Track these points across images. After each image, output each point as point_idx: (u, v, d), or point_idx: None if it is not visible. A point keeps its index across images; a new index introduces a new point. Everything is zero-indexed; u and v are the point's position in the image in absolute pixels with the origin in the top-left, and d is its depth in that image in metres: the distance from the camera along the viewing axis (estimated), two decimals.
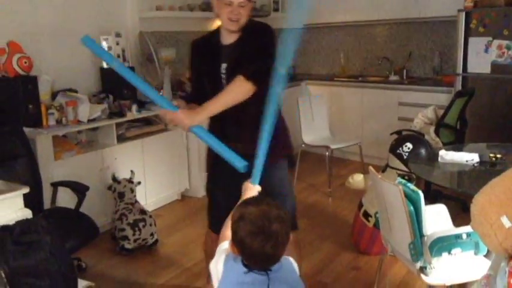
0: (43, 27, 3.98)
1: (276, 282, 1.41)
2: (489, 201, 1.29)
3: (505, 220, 1.25)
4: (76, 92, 4.00)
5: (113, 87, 4.23)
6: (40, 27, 3.96)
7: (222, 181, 2.42)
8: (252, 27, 2.27)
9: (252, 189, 1.84)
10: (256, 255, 1.39)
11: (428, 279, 2.25)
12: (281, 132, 2.45)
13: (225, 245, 1.55)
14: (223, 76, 2.32)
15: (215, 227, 2.26)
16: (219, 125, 2.33)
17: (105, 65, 4.25)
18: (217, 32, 2.43)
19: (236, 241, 1.41)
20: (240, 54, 2.26)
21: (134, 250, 3.62)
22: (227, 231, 1.55)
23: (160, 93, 4.63)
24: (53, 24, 4.06)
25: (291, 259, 1.53)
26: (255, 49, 2.21)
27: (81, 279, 2.75)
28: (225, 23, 2.25)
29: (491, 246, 1.30)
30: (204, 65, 2.40)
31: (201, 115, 2.18)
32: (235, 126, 2.32)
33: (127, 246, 3.58)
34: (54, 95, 3.87)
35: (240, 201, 1.64)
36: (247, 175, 1.92)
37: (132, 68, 4.39)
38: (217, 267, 1.49)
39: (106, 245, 3.74)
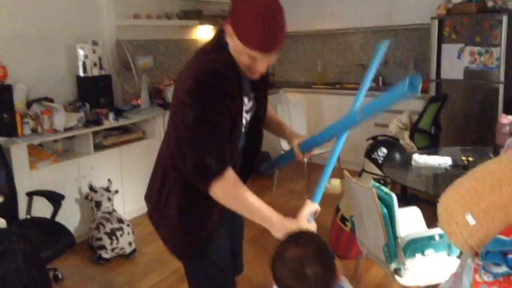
0: (19, 35, 3.95)
1: None
2: (454, 200, 1.32)
3: (469, 218, 1.28)
4: (52, 100, 3.98)
5: (89, 95, 4.21)
6: (16, 35, 3.93)
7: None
8: None
9: (310, 206, 1.77)
10: None
11: (402, 280, 2.29)
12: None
13: None
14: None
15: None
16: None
17: (81, 73, 4.23)
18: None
19: (274, 278, 1.38)
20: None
21: (112, 259, 3.59)
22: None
23: (138, 102, 4.62)
24: (28, 32, 4.03)
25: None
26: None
27: None
28: (245, 71, 1.64)
29: (457, 244, 1.33)
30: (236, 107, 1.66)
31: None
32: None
33: (104, 255, 3.55)
34: (29, 104, 3.83)
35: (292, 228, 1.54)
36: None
37: (109, 76, 4.39)
38: None
39: (83, 254, 3.70)
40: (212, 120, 1.55)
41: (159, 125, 4.53)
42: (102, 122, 4.01)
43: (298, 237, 1.44)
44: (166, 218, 1.81)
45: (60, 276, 3.35)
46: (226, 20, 1.59)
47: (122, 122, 4.21)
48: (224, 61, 1.59)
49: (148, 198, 1.95)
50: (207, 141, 1.55)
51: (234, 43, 1.56)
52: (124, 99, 4.75)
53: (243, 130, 1.77)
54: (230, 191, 1.59)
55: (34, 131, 3.64)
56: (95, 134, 4.01)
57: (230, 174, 1.58)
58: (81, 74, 4.23)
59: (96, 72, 4.28)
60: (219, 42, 1.63)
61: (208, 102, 1.54)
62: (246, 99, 1.71)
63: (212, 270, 1.83)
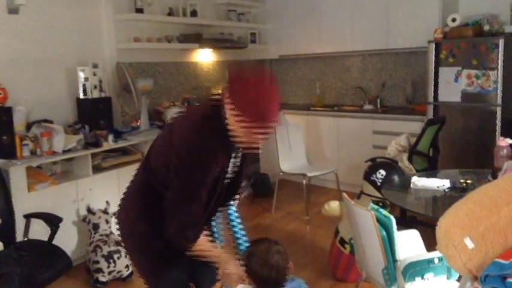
0: (19, 58, 3.99)
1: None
2: (453, 224, 1.32)
3: (468, 241, 1.28)
4: (51, 122, 3.99)
5: (89, 117, 4.23)
6: (16, 58, 3.96)
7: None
8: None
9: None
10: (266, 280, 1.84)
11: None
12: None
13: None
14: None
15: None
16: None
17: (81, 95, 4.25)
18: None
19: (250, 274, 1.86)
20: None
21: (109, 282, 3.55)
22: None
23: (138, 124, 4.64)
24: (29, 55, 4.06)
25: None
26: None
27: None
28: (241, 146, 1.83)
29: (456, 267, 1.33)
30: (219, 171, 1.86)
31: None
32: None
33: (101, 278, 3.52)
34: (29, 126, 3.84)
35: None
36: None
37: (109, 99, 4.42)
38: None
39: (80, 277, 3.67)
40: (196, 192, 1.77)
41: None
42: (101, 144, 4.01)
43: (259, 241, 1.94)
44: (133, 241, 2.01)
45: None
46: (224, 93, 1.74)
47: (121, 144, 4.22)
48: (219, 130, 1.75)
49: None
50: (188, 214, 1.78)
51: (233, 118, 1.71)
52: (123, 121, 4.77)
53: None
54: (196, 248, 1.86)
55: (33, 153, 3.64)
56: (93, 155, 4.02)
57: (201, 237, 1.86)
58: (81, 96, 4.25)
59: (96, 94, 4.31)
60: (216, 111, 1.76)
61: (196, 171, 1.74)
62: (230, 165, 1.90)
63: None
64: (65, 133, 3.82)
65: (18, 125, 3.73)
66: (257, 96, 1.65)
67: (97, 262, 3.52)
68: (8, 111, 3.57)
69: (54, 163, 3.96)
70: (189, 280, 2.13)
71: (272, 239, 1.92)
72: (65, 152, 3.76)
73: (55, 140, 3.73)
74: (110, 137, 4.09)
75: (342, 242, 3.41)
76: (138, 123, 4.65)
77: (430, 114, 4.87)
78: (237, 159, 1.94)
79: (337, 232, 3.51)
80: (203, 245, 1.87)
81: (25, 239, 3.19)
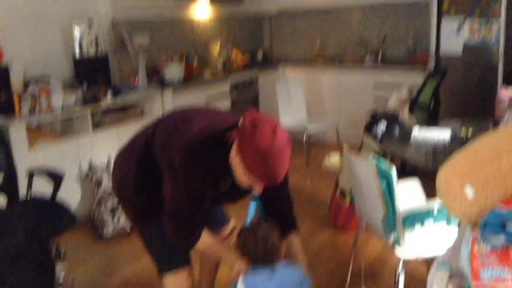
0: (14, 14, 3.90)
1: (280, 270, 1.90)
2: (453, 172, 1.31)
3: (468, 190, 1.28)
4: (49, 79, 3.94)
5: (86, 74, 4.18)
6: (11, 14, 3.88)
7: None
8: None
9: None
10: (254, 254, 1.89)
11: (401, 252, 2.31)
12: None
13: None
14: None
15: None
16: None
17: (78, 52, 4.19)
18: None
19: (241, 251, 1.92)
20: None
21: (113, 237, 3.62)
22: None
23: (136, 81, 4.60)
24: (24, 11, 3.97)
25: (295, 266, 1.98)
26: None
27: (60, 265, 2.75)
28: (248, 186, 1.82)
29: (456, 216, 1.33)
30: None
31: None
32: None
33: (106, 233, 3.58)
34: (26, 83, 3.81)
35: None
36: None
37: (105, 55, 4.35)
38: None
39: (85, 232, 3.73)
40: (196, 200, 1.82)
41: (156, 103, 4.51)
42: (100, 100, 3.99)
43: (259, 224, 2.00)
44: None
45: (63, 252, 3.38)
46: (235, 136, 1.72)
47: (120, 100, 4.19)
48: (221, 161, 1.77)
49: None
50: (191, 224, 1.86)
51: (238, 165, 1.71)
52: (121, 78, 4.72)
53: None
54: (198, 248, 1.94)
55: (32, 110, 3.62)
56: (92, 113, 4.00)
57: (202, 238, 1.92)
58: (78, 52, 4.19)
59: (92, 50, 4.24)
60: (224, 143, 1.77)
61: (196, 183, 1.78)
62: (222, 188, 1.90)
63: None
64: (62, 90, 3.79)
65: (16, 82, 3.69)
66: (265, 163, 1.64)
67: (101, 218, 3.57)
68: (4, 69, 3.52)
69: (54, 120, 3.95)
70: None
71: (263, 223, 1.99)
72: (63, 109, 3.74)
73: (53, 97, 3.70)
74: (108, 94, 4.06)
75: (342, 193, 3.45)
76: (136, 80, 4.60)
77: (432, 66, 4.82)
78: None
79: (337, 184, 3.54)
80: (206, 241, 1.93)
81: (28, 195, 3.22)
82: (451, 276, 1.29)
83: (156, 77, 4.88)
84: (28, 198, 3.20)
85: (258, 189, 1.81)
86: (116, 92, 4.20)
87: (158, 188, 1.90)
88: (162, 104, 4.53)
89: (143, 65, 4.60)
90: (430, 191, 2.74)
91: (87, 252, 3.48)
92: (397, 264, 2.36)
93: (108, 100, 4.05)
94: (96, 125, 4.05)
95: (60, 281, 2.26)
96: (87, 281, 3.13)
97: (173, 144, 1.83)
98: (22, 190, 3.20)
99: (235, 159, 1.72)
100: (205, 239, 1.93)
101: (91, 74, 4.17)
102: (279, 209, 2.12)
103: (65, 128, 4.06)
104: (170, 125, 1.96)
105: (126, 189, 2.04)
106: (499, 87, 4.35)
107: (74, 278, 2.95)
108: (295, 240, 2.10)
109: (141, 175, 1.98)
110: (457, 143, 3.03)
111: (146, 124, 2.11)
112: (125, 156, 2.09)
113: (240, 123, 1.72)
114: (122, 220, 3.59)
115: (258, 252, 1.88)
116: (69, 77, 4.26)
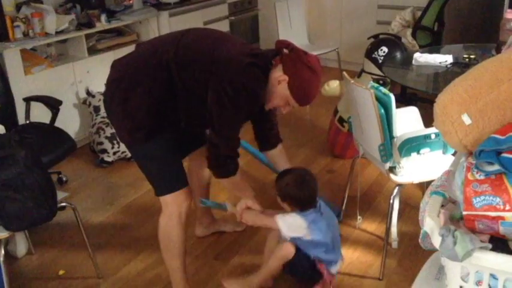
0: None
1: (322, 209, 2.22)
2: (451, 100, 1.30)
3: (465, 118, 1.27)
4: (41, 2, 3.81)
5: None
6: None
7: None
8: None
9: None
10: (304, 199, 2.15)
11: (397, 178, 2.34)
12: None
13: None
14: None
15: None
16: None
17: None
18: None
19: (289, 199, 2.17)
20: None
21: (114, 162, 3.66)
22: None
23: (130, 2, 4.43)
24: None
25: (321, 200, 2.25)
26: None
27: (61, 192, 2.81)
28: (276, 107, 2.13)
29: (452, 144, 1.33)
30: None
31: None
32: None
33: (107, 159, 3.62)
34: (18, 7, 3.68)
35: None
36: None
37: None
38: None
39: (85, 158, 3.78)
40: (239, 124, 2.00)
41: (152, 27, 4.39)
42: (94, 24, 3.88)
43: (286, 171, 2.25)
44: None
45: (64, 178, 3.45)
46: (279, 61, 1.95)
47: (115, 24, 4.07)
48: (261, 81, 1.94)
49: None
50: (235, 145, 2.01)
51: (281, 89, 1.95)
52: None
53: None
54: (230, 183, 2.14)
55: (26, 35, 3.54)
56: (87, 37, 3.90)
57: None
58: None
59: None
60: (266, 64, 1.95)
61: (243, 105, 1.92)
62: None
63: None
64: (55, 13, 3.68)
65: (7, 5, 3.57)
66: (309, 89, 1.96)
67: (101, 143, 3.60)
68: None
69: (49, 45, 3.86)
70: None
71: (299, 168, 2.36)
72: (57, 33, 3.65)
73: (47, 20, 3.60)
74: (103, 17, 3.94)
75: (341, 120, 3.44)
76: (131, 2, 4.44)
77: None
78: None
79: (336, 111, 3.52)
80: (237, 179, 2.09)
81: (27, 122, 3.23)
82: (443, 205, 1.31)
83: None
84: (27, 124, 3.21)
85: (285, 111, 2.07)
86: (110, 15, 4.06)
87: (174, 106, 1.99)
88: (157, 27, 4.41)
89: None
90: (428, 120, 2.73)
91: (89, 177, 3.54)
92: (392, 191, 2.40)
93: (103, 24, 3.93)
94: (92, 50, 3.97)
95: (63, 206, 2.32)
96: (88, 207, 3.19)
97: (217, 66, 1.89)
98: (20, 116, 3.20)
99: (279, 82, 1.93)
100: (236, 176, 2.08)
101: None
102: (270, 125, 2.30)
103: (60, 53, 3.98)
104: (201, 47, 1.97)
105: (128, 103, 1.99)
106: (505, 8, 4.20)
107: (75, 204, 3.02)
108: (283, 150, 2.38)
109: (157, 92, 1.97)
110: (459, 67, 2.98)
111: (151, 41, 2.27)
112: (131, 70, 2.08)
113: (284, 49, 1.93)
114: (122, 146, 3.62)
115: (305, 197, 2.15)
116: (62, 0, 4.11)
